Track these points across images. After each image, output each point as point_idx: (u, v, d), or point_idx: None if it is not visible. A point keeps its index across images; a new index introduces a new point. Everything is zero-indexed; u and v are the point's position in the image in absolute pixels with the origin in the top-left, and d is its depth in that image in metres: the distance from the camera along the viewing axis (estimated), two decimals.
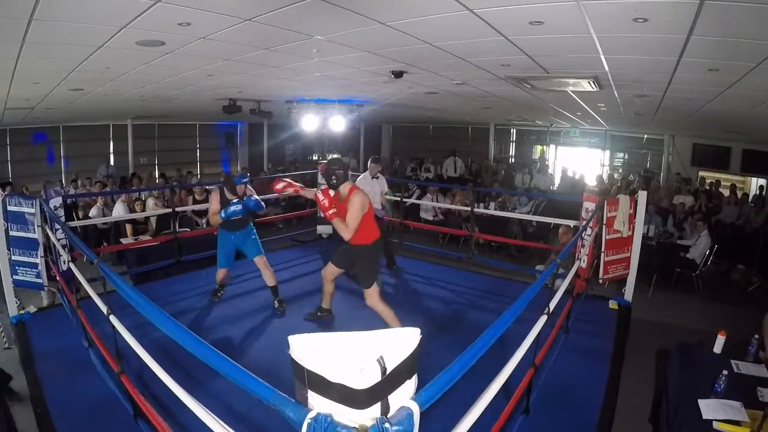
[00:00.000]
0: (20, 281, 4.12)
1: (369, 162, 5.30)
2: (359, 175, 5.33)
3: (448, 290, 4.83)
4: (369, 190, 4.76)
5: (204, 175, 12.36)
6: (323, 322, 3.90)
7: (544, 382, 2.98)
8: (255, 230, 4.24)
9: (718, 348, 3.05)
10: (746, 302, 5.84)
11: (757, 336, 2.98)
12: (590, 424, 2.72)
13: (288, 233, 7.06)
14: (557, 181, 11.24)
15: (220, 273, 4.25)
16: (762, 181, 9.01)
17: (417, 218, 8.36)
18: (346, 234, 3.23)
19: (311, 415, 1.00)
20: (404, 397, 1.11)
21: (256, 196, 4.01)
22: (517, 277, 5.53)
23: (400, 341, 1.12)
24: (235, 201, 3.88)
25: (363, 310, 4.22)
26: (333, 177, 3.28)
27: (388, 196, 5.84)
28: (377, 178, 5.22)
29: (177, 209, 5.57)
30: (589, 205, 4.55)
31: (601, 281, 4.58)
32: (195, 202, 6.88)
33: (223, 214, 3.83)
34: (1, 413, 2.71)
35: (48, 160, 10.07)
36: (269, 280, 4.15)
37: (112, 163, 10.61)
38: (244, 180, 4.00)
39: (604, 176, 10.99)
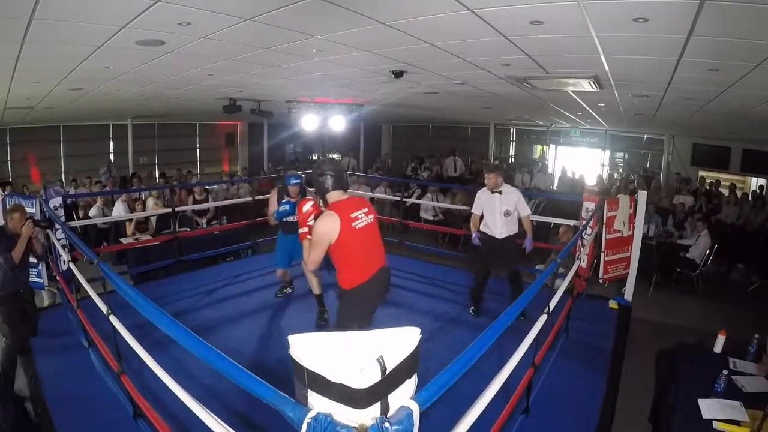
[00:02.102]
0: None
1: (484, 172, 4.16)
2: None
3: (448, 290, 4.82)
4: (487, 209, 4.04)
5: (204, 175, 12.36)
6: (323, 322, 3.89)
7: (544, 382, 2.98)
8: None
9: (718, 348, 3.06)
10: (746, 302, 5.84)
11: (757, 336, 2.98)
12: (590, 424, 2.72)
13: None
14: (557, 181, 11.24)
15: (278, 273, 4.25)
16: (762, 181, 9.02)
17: (417, 218, 8.36)
18: (307, 266, 2.52)
19: (311, 414, 1.00)
20: (404, 396, 1.11)
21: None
22: None
23: (400, 341, 1.12)
24: (284, 201, 3.71)
25: None
26: (316, 184, 2.51)
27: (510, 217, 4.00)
28: (500, 192, 3.97)
29: (177, 209, 5.57)
30: (589, 205, 4.55)
31: (601, 281, 4.58)
32: (195, 202, 6.89)
33: (276, 215, 3.64)
34: (11, 407, 2.71)
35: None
36: (314, 288, 3.90)
37: (113, 162, 10.62)
38: (294, 181, 3.78)
39: (604, 176, 10.99)
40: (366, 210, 2.48)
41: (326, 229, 2.34)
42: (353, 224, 2.38)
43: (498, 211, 3.96)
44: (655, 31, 2.71)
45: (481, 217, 4.09)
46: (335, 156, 13.94)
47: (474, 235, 4.17)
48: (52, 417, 2.65)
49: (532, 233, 4.12)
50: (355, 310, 2.51)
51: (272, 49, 3.81)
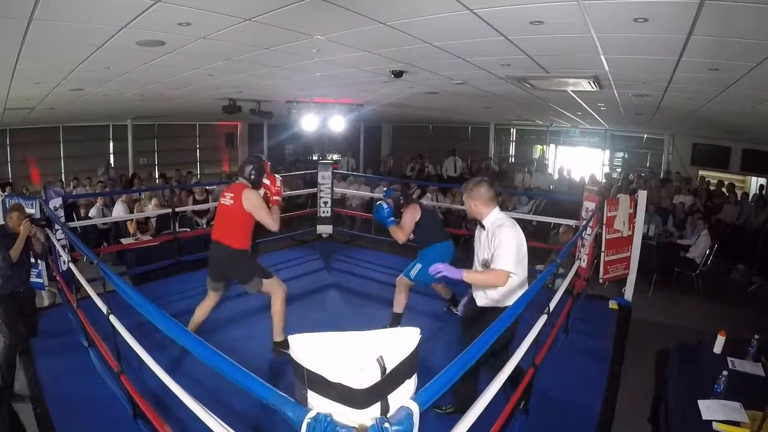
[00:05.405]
0: None
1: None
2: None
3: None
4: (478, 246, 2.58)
5: (204, 175, 12.35)
6: (323, 322, 3.89)
7: (544, 382, 2.97)
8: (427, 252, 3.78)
9: (718, 348, 3.05)
10: (746, 302, 5.83)
11: (757, 336, 2.98)
12: (590, 424, 2.72)
13: (288, 233, 7.03)
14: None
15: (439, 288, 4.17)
16: (762, 181, 9.02)
17: None
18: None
19: (311, 414, 1.00)
20: (404, 396, 1.11)
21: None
22: None
23: (400, 341, 1.12)
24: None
25: (364, 309, 4.22)
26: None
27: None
28: (483, 227, 2.50)
29: (177, 209, 5.57)
30: (589, 205, 4.55)
31: (601, 281, 4.58)
32: (195, 202, 6.89)
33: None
34: (4, 412, 2.70)
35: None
36: (395, 305, 3.83)
37: (112, 163, 10.61)
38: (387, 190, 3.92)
39: (603, 176, 10.94)
40: (232, 195, 3.18)
41: None
42: (220, 200, 3.30)
43: (476, 259, 2.56)
44: (655, 31, 2.71)
45: None
46: (335, 156, 13.92)
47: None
48: (52, 417, 2.65)
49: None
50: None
51: (272, 50, 3.81)
